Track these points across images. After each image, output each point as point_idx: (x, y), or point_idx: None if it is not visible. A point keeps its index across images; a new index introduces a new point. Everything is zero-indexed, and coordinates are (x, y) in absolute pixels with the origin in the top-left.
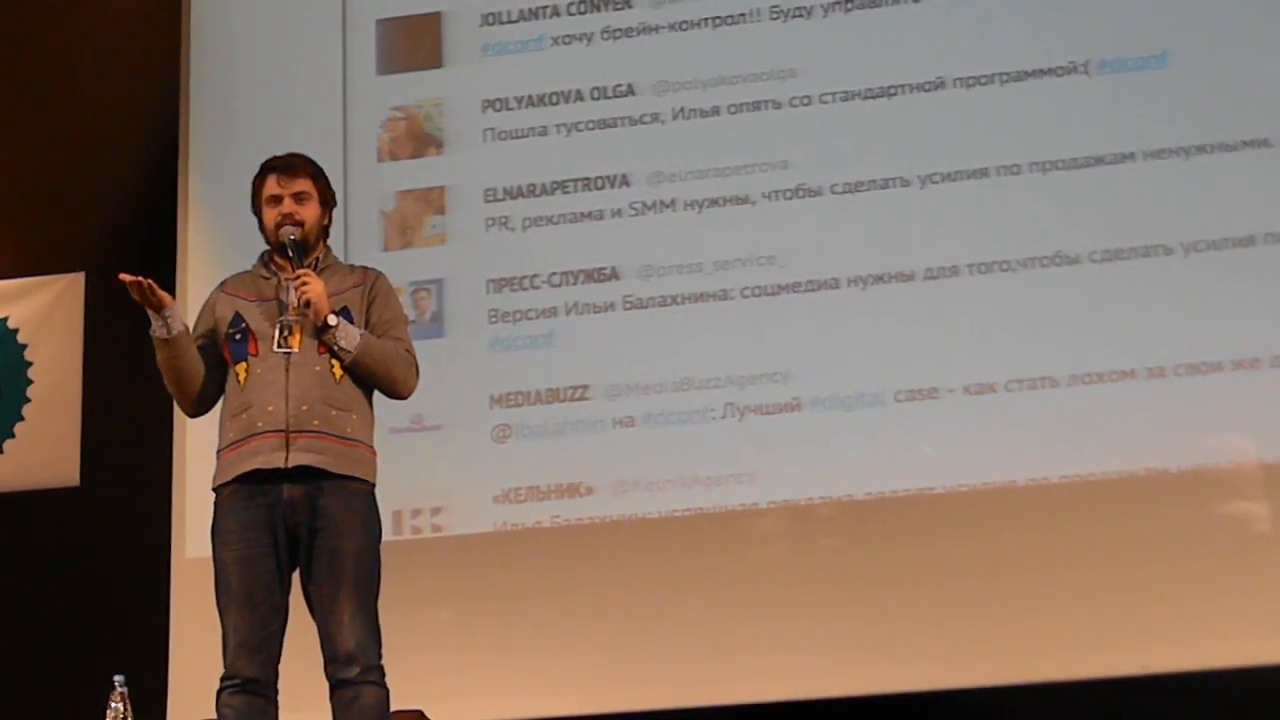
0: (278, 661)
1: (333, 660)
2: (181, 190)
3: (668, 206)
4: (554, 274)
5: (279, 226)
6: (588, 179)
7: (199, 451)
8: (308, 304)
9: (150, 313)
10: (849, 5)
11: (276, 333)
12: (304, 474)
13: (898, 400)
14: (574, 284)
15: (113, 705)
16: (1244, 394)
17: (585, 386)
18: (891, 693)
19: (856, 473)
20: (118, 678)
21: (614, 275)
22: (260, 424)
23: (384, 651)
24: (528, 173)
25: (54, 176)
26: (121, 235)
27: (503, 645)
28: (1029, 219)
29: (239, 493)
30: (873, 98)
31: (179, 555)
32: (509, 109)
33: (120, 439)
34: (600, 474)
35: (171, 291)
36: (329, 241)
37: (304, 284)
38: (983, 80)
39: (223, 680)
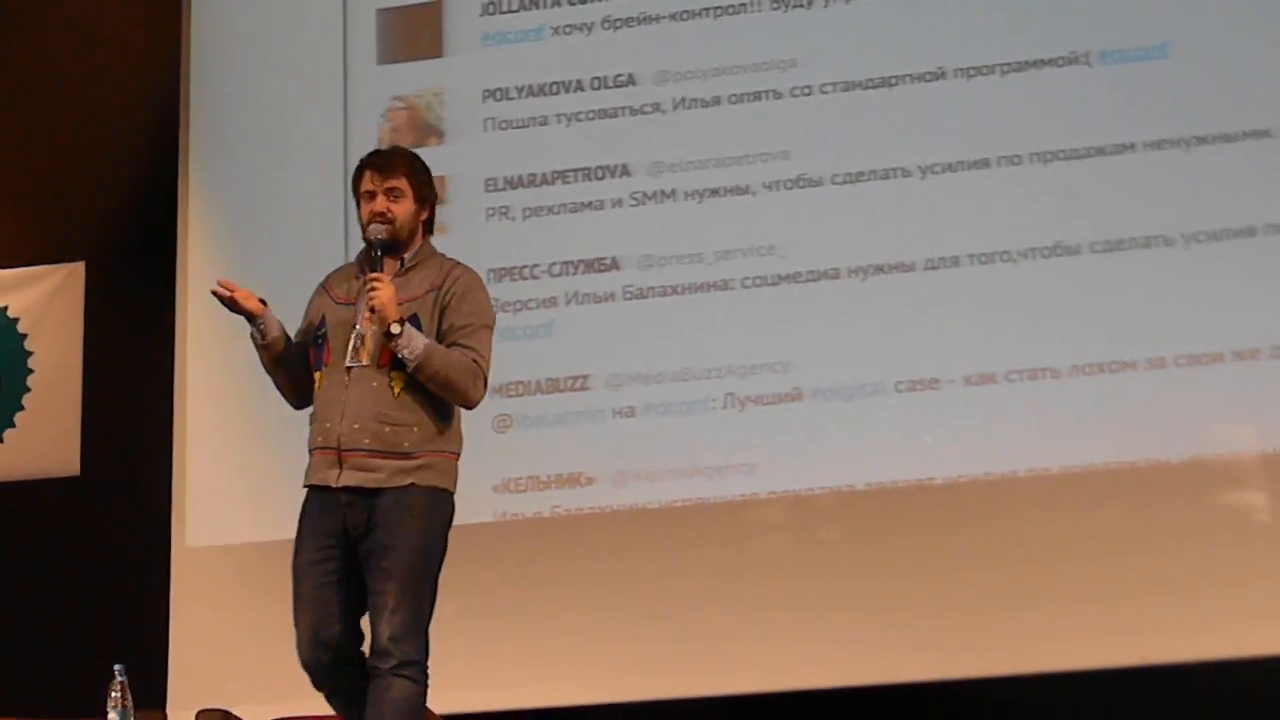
0: (352, 650)
1: (372, 651)
2: (182, 180)
3: (668, 196)
4: (554, 264)
5: (369, 224)
6: (588, 169)
7: (199, 441)
8: (373, 310)
9: (247, 319)
10: None
11: (352, 344)
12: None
13: (898, 390)
14: (574, 274)
15: (113, 694)
16: (1244, 384)
17: (586, 376)
18: (892, 683)
19: (857, 463)
20: (118, 666)
21: (614, 265)
22: (320, 439)
23: None
24: (528, 162)
25: (54, 166)
26: (122, 225)
27: (503, 636)
28: (1030, 209)
29: (311, 498)
30: (873, 88)
31: (179, 544)
32: (509, 99)
33: (120, 428)
34: (601, 464)
35: (170, 281)
36: (431, 237)
37: (372, 289)
38: (983, 70)
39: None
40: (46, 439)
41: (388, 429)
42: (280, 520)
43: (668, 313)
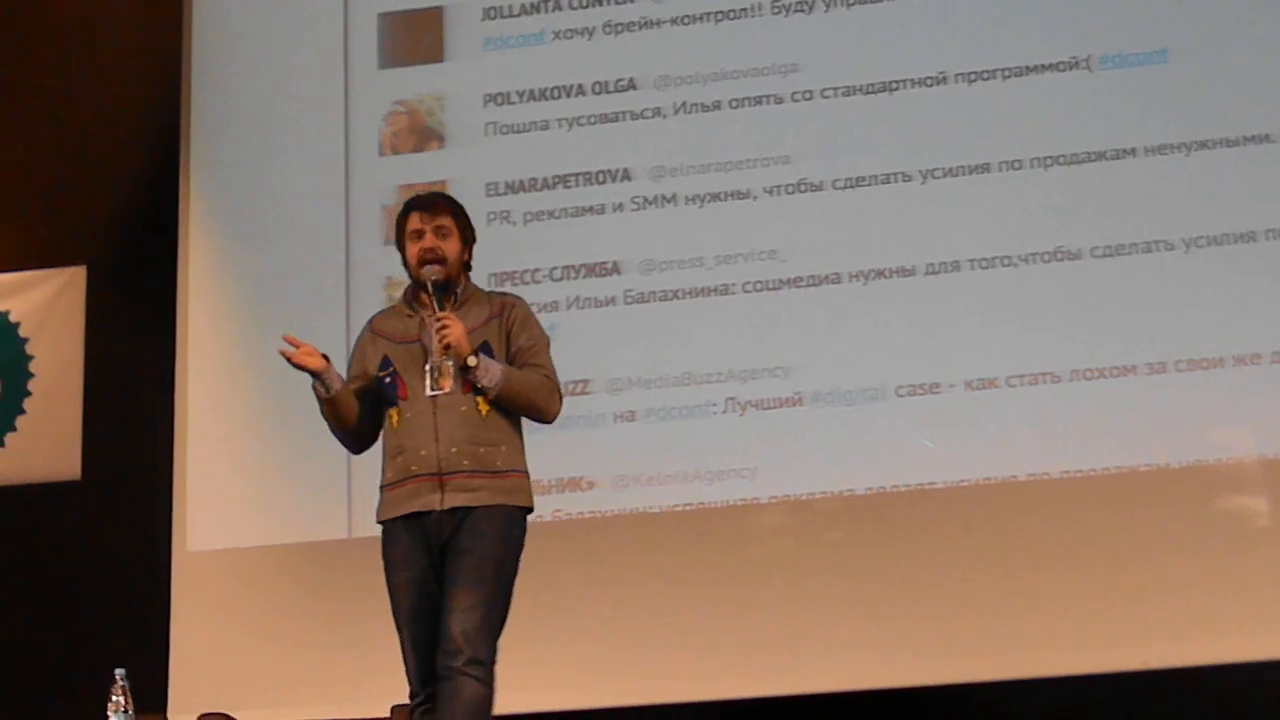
0: None
1: (442, 649)
2: (183, 184)
3: (669, 201)
4: (555, 268)
5: (421, 263)
6: (589, 173)
7: (200, 445)
8: (447, 348)
9: (311, 375)
10: (850, 0)
11: (427, 377)
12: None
13: (899, 395)
14: (575, 278)
15: (114, 698)
16: (1245, 389)
17: (586, 381)
18: (893, 687)
19: (857, 468)
20: (119, 671)
21: (615, 270)
22: (415, 468)
23: (386, 646)
24: (529, 167)
25: (55, 170)
26: (123, 229)
27: (504, 640)
28: (1030, 214)
29: (404, 525)
30: (874, 93)
31: (180, 548)
32: (510, 103)
33: (121, 432)
34: (601, 468)
35: (171, 285)
36: (470, 274)
37: (444, 328)
38: (984, 75)
39: (413, 699)
40: (48, 443)
41: (482, 449)
42: (281, 525)
43: (669, 317)
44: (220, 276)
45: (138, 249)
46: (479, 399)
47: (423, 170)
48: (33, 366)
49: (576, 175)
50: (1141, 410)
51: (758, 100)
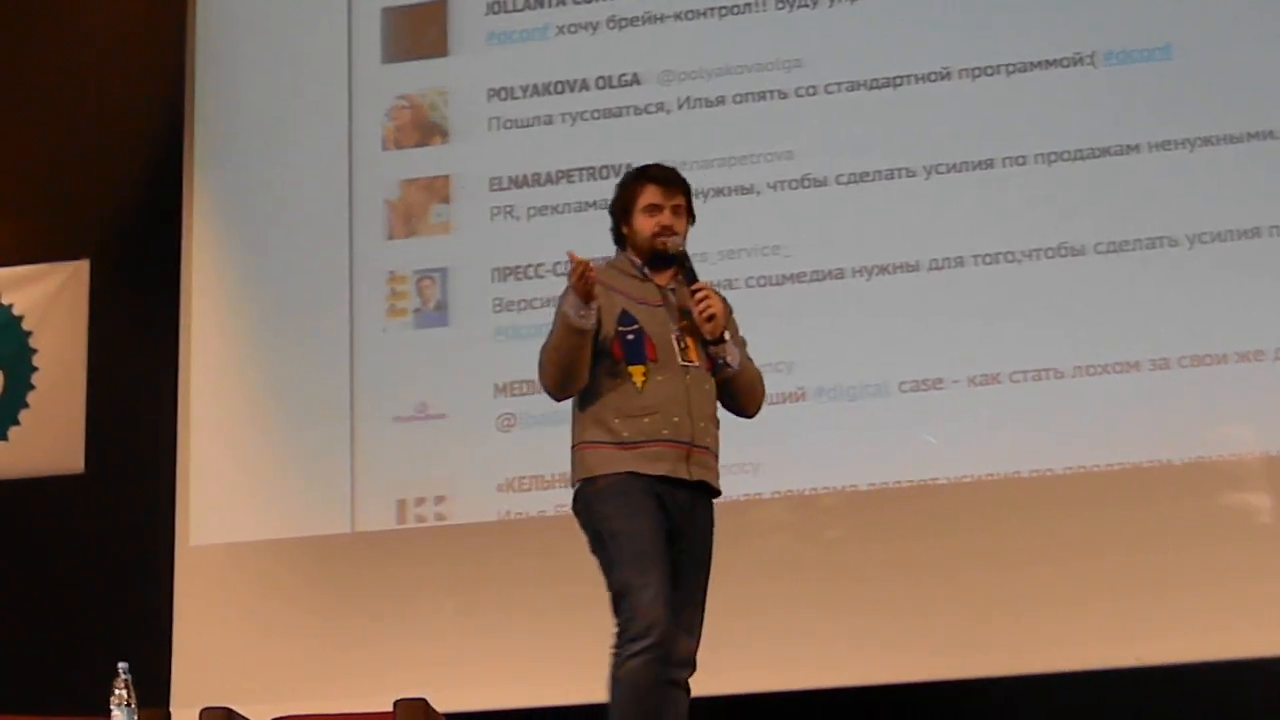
0: None
1: (679, 658)
2: (186, 178)
3: None
4: (559, 263)
5: (656, 235)
6: (592, 168)
7: (203, 439)
8: (709, 318)
9: (576, 300)
10: None
11: (676, 344)
12: (695, 486)
13: (902, 391)
14: None
15: (116, 692)
16: (1248, 386)
17: None
18: (894, 683)
19: (860, 463)
20: (121, 664)
21: None
22: (665, 432)
23: (389, 640)
24: (532, 162)
25: (59, 164)
26: (126, 222)
27: (506, 634)
28: (1034, 210)
29: (638, 479)
30: (878, 88)
31: (183, 542)
32: (514, 98)
33: (125, 426)
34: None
35: (175, 278)
36: None
37: (707, 297)
38: (988, 71)
39: (642, 646)
40: (51, 437)
41: (715, 430)
42: (283, 519)
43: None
44: (223, 271)
45: (141, 243)
46: (711, 379)
47: (426, 165)
48: (36, 360)
49: (580, 170)
50: (1145, 406)
51: (761, 95)
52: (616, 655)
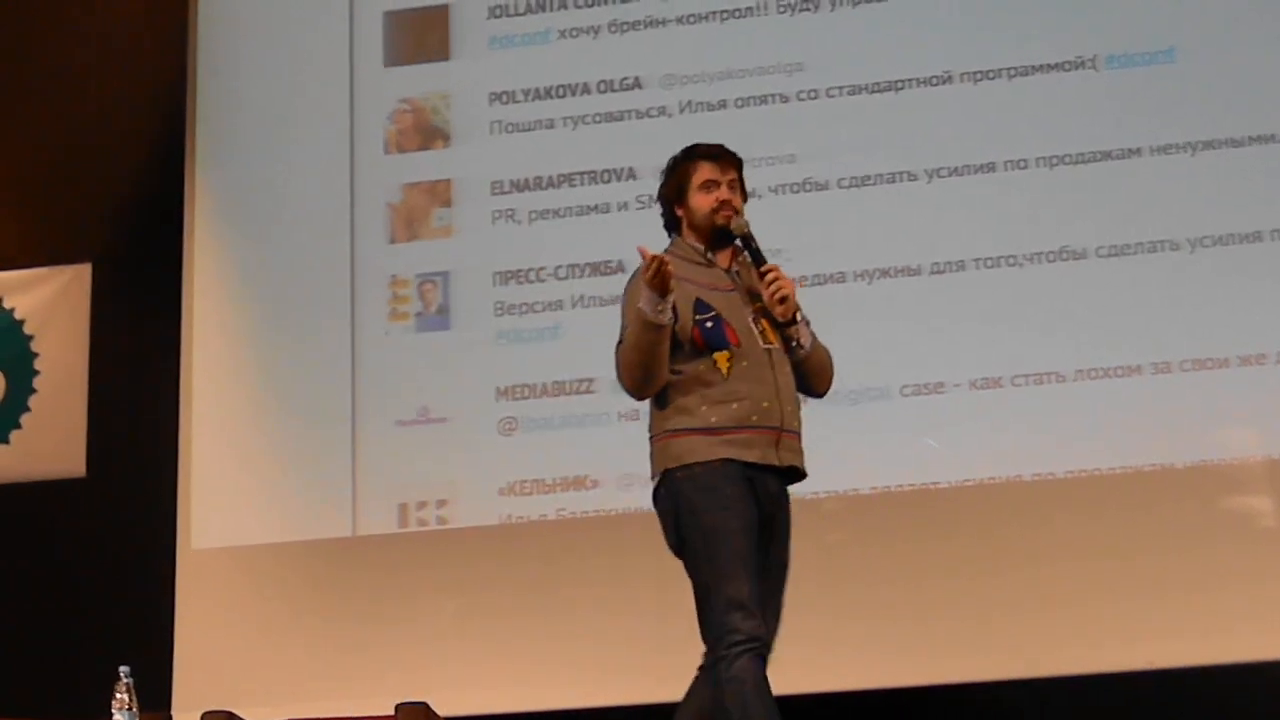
0: None
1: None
2: (188, 181)
3: None
4: (560, 267)
5: (715, 213)
6: (594, 172)
7: (205, 443)
8: (782, 299)
9: (652, 295)
10: None
11: (754, 328)
12: (784, 473)
13: (903, 394)
14: (580, 277)
15: (118, 695)
16: (1250, 390)
17: (591, 379)
18: (896, 686)
19: (862, 467)
20: (123, 668)
21: (620, 268)
22: (754, 418)
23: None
24: (534, 166)
25: (61, 167)
26: (128, 226)
27: (507, 638)
28: (1036, 214)
29: (729, 468)
30: (879, 92)
31: (185, 546)
32: (516, 102)
33: (126, 430)
34: (606, 467)
35: (177, 282)
36: None
37: (778, 279)
38: (990, 75)
39: (742, 644)
40: (52, 440)
41: (800, 413)
42: (285, 523)
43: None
44: (225, 274)
45: (143, 246)
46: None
47: (427, 169)
48: (38, 364)
49: (582, 174)
50: (1146, 410)
51: (763, 99)
52: (724, 656)
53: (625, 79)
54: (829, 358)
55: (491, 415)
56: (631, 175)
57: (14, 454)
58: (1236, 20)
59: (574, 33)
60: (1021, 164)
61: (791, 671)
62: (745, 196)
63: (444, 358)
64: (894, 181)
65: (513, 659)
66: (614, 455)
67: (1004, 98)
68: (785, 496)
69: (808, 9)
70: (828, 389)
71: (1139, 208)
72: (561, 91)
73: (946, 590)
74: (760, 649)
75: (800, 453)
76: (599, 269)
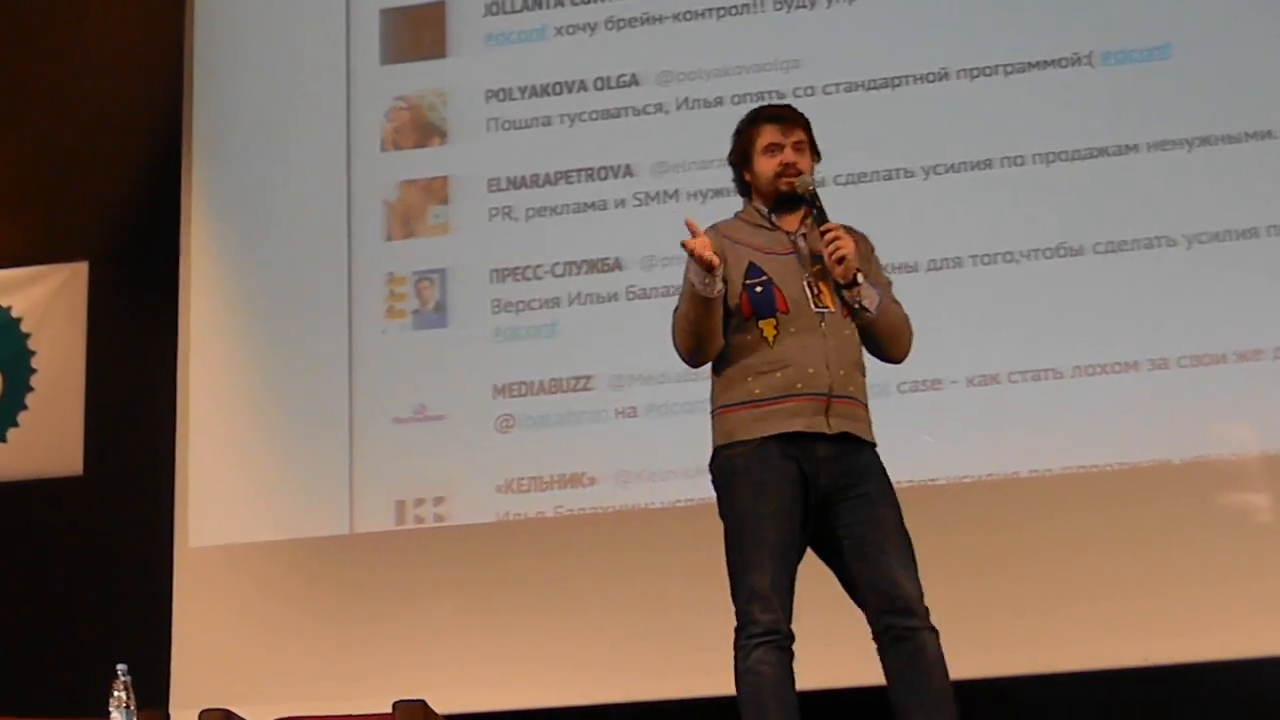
0: (790, 610)
1: (890, 610)
2: (185, 179)
3: (671, 197)
4: (557, 264)
5: (779, 176)
6: (591, 169)
7: (202, 441)
8: (840, 260)
9: (699, 270)
10: None
11: (808, 291)
12: (840, 437)
13: (901, 391)
14: (577, 274)
15: (116, 693)
16: (1247, 385)
17: (589, 377)
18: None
19: None
20: (120, 666)
21: (617, 266)
22: (799, 385)
23: (388, 642)
24: (531, 163)
25: (57, 166)
26: (125, 224)
27: (505, 635)
28: (1032, 210)
29: (769, 447)
30: (876, 89)
31: (182, 544)
32: (512, 99)
33: (123, 428)
34: (603, 464)
35: (174, 280)
36: None
37: (837, 239)
38: (986, 71)
39: (754, 634)
40: (50, 438)
41: (860, 378)
42: (283, 521)
43: (670, 314)
44: (222, 272)
45: (140, 244)
46: (853, 325)
47: (424, 166)
48: (35, 362)
49: (579, 171)
50: (1143, 406)
51: (760, 96)
52: (742, 647)
53: (622, 76)
54: (905, 323)
55: (489, 412)
56: (629, 172)
57: (11, 452)
58: (1233, 17)
59: (570, 29)
60: (1019, 160)
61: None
62: (817, 155)
63: (441, 355)
64: (890, 178)
65: (511, 656)
66: (611, 453)
67: (1000, 94)
68: (854, 455)
69: (803, 6)
70: (904, 355)
71: (1136, 204)
72: (558, 88)
73: (944, 587)
74: (779, 640)
75: (858, 419)
76: (596, 266)
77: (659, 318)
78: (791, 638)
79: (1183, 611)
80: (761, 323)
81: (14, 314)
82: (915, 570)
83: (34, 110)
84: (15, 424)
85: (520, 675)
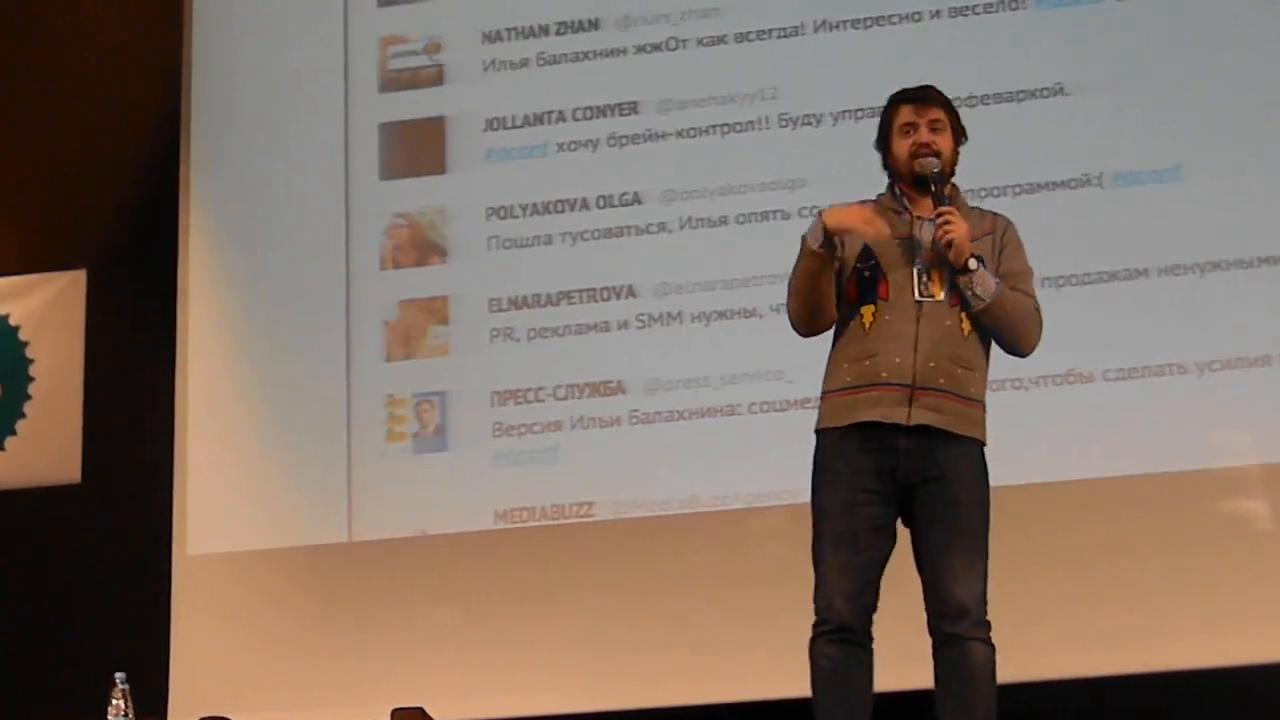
0: (873, 612)
1: (940, 614)
2: (183, 187)
3: (674, 319)
4: (559, 386)
5: (914, 156)
6: (593, 289)
7: (200, 449)
8: (948, 245)
9: (818, 224)
10: (859, 114)
11: (915, 279)
12: (923, 430)
13: None
14: (579, 397)
15: (114, 702)
16: (1247, 396)
17: (590, 504)
18: (897, 690)
19: None
20: (119, 674)
21: (619, 389)
22: (884, 374)
23: (386, 649)
24: (532, 282)
25: (55, 173)
26: (123, 232)
27: (503, 643)
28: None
29: (851, 437)
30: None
31: (180, 552)
32: (513, 216)
33: (121, 436)
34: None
35: (172, 288)
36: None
37: (947, 222)
38: (995, 193)
39: (817, 626)
40: (48, 447)
41: (960, 371)
42: (281, 529)
43: (673, 439)
44: (220, 281)
45: (138, 253)
46: (962, 315)
47: (424, 285)
48: (33, 370)
49: (580, 291)
50: (1146, 415)
51: (765, 215)
52: (812, 638)
53: (624, 194)
54: (1029, 314)
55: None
56: (631, 293)
57: (9, 461)
58: (1245, 140)
59: (572, 145)
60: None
61: (793, 676)
62: (962, 135)
63: (441, 479)
64: None
65: (508, 664)
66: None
67: (1002, 120)
68: (944, 449)
69: (809, 124)
70: (1029, 348)
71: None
72: (560, 206)
73: None
74: (843, 635)
75: (945, 412)
76: (598, 389)
77: (661, 444)
78: (859, 632)
79: (1181, 619)
80: (863, 308)
81: (12, 322)
82: (976, 576)
83: (33, 119)
84: (13, 432)
85: (518, 683)
